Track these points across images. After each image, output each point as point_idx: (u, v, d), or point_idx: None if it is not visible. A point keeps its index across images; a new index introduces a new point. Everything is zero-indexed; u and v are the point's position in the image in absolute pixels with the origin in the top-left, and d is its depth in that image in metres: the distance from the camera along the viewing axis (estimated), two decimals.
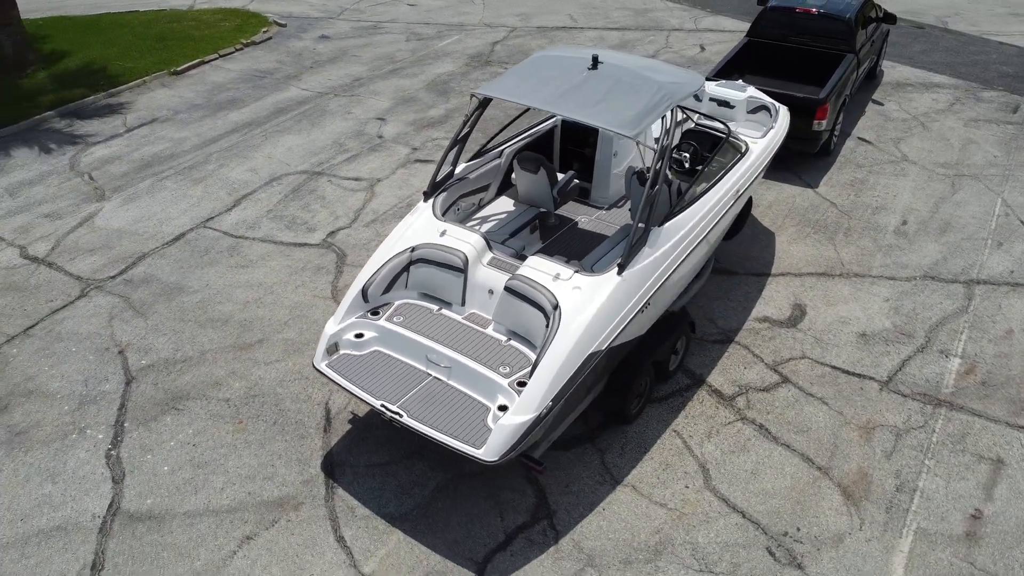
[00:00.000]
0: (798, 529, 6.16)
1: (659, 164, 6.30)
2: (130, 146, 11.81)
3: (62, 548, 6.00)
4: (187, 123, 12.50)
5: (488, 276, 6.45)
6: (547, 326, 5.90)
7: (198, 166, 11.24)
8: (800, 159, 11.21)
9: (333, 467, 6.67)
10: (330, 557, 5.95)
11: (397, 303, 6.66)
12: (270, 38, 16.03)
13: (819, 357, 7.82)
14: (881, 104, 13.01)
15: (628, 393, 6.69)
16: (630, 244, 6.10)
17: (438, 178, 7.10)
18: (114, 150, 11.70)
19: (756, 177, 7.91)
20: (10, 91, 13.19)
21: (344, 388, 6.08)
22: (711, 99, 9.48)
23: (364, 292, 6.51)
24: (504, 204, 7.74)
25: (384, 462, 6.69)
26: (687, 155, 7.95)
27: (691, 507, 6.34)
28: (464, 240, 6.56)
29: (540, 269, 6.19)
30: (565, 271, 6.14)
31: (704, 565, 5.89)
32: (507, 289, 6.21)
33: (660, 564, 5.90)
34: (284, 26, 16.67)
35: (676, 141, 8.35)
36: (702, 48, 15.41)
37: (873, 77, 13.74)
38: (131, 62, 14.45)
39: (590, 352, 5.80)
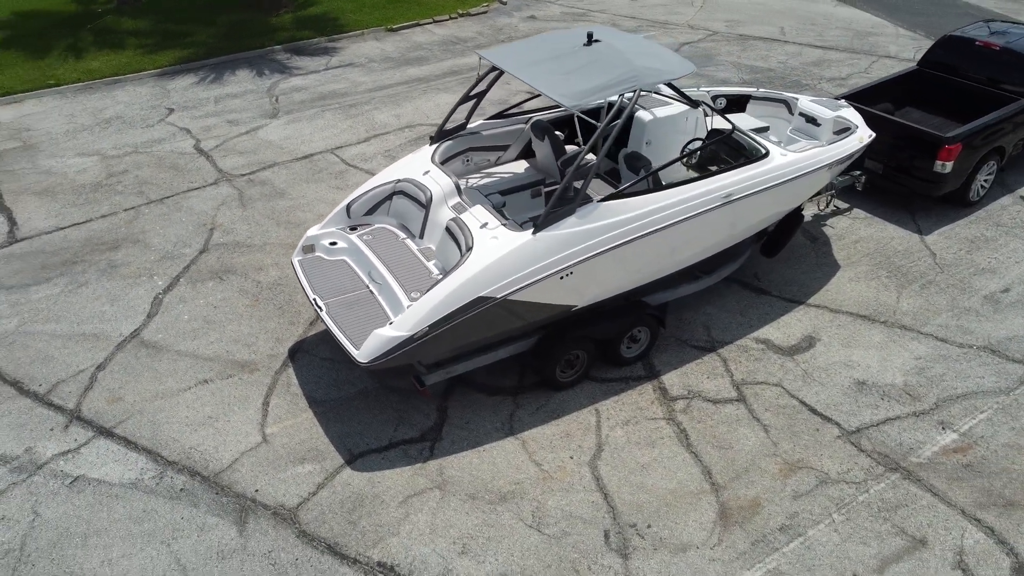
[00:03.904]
0: (648, 526, 6.08)
1: (595, 140, 6.46)
2: (319, 81, 13.87)
3: (88, 348, 7.79)
4: (372, 71, 14.32)
5: (446, 217, 7.07)
6: (456, 264, 6.42)
7: (358, 105, 12.93)
8: (925, 202, 10.09)
9: (297, 352, 7.77)
10: (250, 414, 7.07)
11: (376, 226, 7.53)
12: (485, 12, 17.50)
13: (794, 390, 7.33)
14: None
15: (550, 358, 6.95)
16: (547, 209, 6.37)
17: (446, 127, 7.81)
18: (306, 82, 13.83)
19: (771, 188, 7.49)
20: (260, 26, 16.04)
21: (298, 280, 7.11)
22: (800, 114, 9.00)
23: (348, 208, 7.48)
24: (518, 167, 8.22)
25: (336, 359, 7.65)
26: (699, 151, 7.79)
27: (561, 475, 6.50)
28: (436, 181, 7.23)
29: (476, 216, 6.69)
30: (493, 222, 6.58)
31: (536, 523, 6.09)
32: (445, 228, 6.81)
33: (499, 508, 6.21)
34: (504, 3, 18.05)
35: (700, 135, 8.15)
36: None
37: None
38: (361, 16, 16.72)
39: (480, 295, 6.21)
